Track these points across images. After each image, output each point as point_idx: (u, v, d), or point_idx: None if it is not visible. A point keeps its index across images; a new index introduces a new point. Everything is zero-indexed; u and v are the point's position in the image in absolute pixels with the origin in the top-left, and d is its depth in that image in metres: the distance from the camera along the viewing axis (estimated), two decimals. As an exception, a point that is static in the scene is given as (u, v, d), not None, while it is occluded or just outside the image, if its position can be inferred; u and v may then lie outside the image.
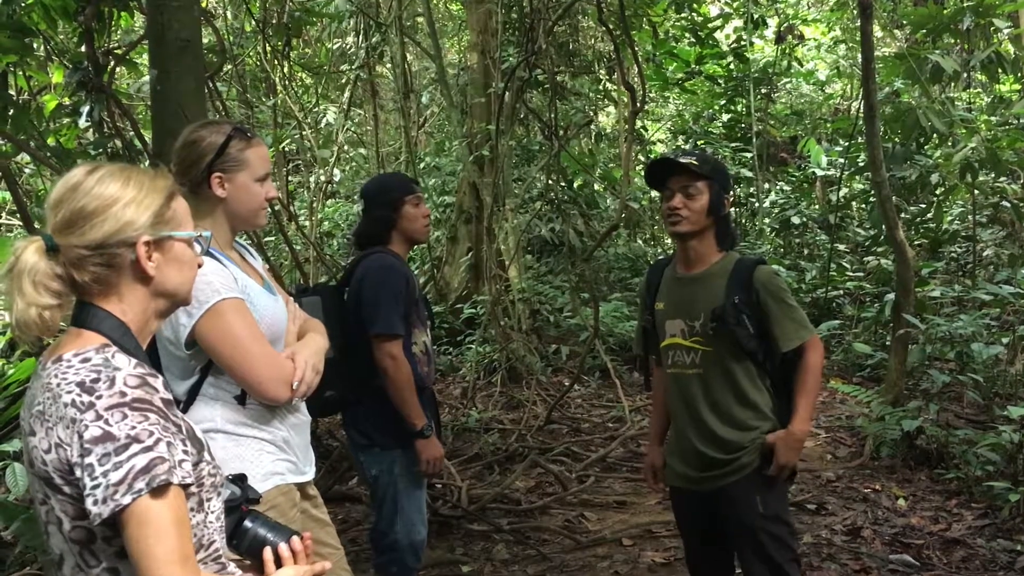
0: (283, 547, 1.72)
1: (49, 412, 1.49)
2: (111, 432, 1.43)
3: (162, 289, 1.64)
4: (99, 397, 1.46)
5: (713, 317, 2.84)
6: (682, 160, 2.91)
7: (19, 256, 1.53)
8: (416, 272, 10.52)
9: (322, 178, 11.12)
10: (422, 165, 12.11)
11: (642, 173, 14.35)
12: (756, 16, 11.91)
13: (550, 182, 10.20)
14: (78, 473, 1.45)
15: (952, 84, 10.87)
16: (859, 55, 8.11)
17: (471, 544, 4.96)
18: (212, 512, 1.62)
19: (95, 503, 1.42)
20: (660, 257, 10.30)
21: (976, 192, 9.23)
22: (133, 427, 1.45)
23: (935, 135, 8.66)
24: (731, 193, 3.02)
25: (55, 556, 1.55)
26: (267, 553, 1.70)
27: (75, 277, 1.55)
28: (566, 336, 9.71)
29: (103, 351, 1.53)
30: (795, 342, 2.85)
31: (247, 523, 1.74)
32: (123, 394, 1.47)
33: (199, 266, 1.72)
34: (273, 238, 10.30)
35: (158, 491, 1.43)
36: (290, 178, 12.11)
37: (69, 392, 1.47)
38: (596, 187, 12.84)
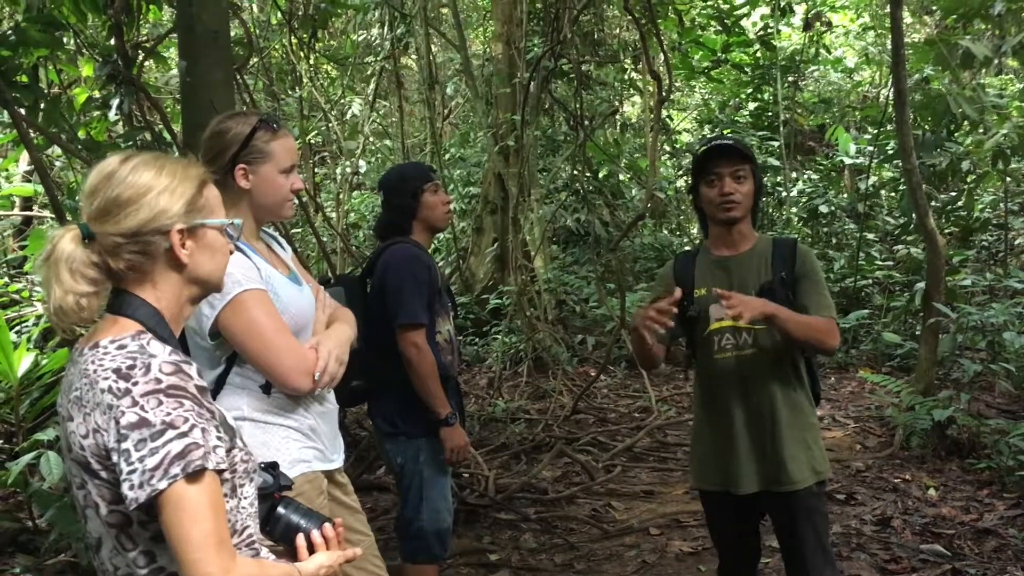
0: (315, 534, 1.74)
1: (86, 398, 1.51)
2: (147, 418, 1.46)
3: (195, 276, 1.66)
4: (135, 384, 1.48)
5: (761, 292, 2.81)
6: (731, 143, 2.87)
7: (56, 244, 1.55)
8: (442, 263, 10.56)
9: (348, 169, 11.17)
10: (447, 156, 12.13)
11: (668, 163, 14.31)
12: (783, 3, 11.79)
13: (575, 172, 10.18)
14: (114, 458, 1.47)
15: (983, 70, 10.70)
16: (888, 41, 8.01)
17: (498, 533, 4.98)
18: (245, 498, 1.64)
19: (131, 488, 1.44)
20: (687, 247, 10.22)
21: (1008, 179, 9.11)
22: (168, 413, 1.47)
23: (966, 122, 8.54)
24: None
25: (92, 540, 1.58)
26: (300, 540, 1.73)
27: (111, 265, 1.57)
28: (592, 326, 9.70)
29: (139, 338, 1.55)
30: (821, 316, 2.80)
31: (280, 510, 1.77)
32: (158, 380, 1.49)
33: (231, 253, 1.74)
34: (300, 229, 10.36)
35: (193, 476, 1.45)
36: (316, 170, 12.16)
37: (106, 378, 1.49)
38: (622, 177, 12.80)
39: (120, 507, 1.50)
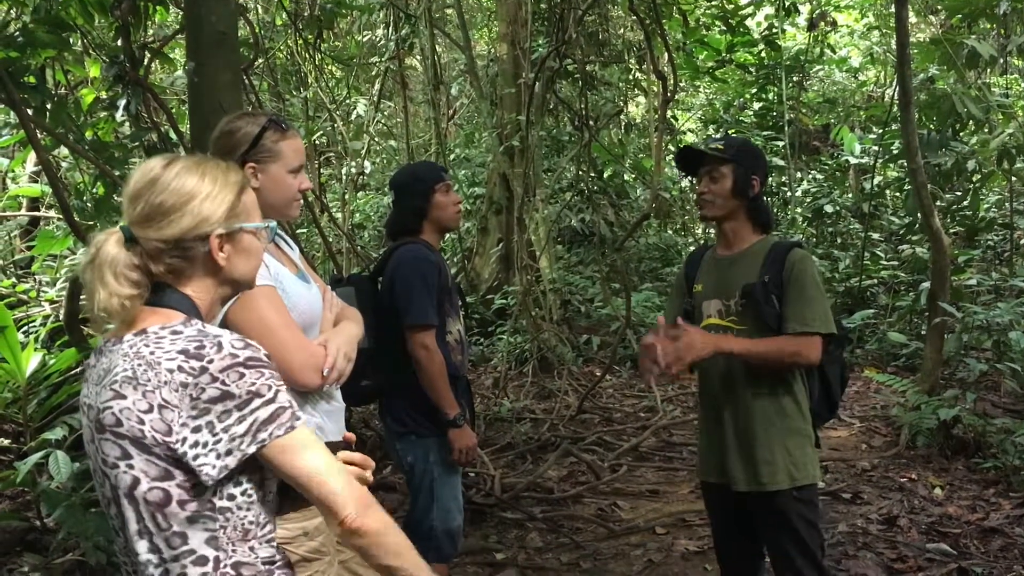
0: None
1: (144, 377, 1.52)
2: (230, 391, 1.50)
3: (230, 277, 1.70)
4: (210, 361, 1.51)
5: (743, 294, 2.84)
6: (703, 147, 2.98)
7: (100, 248, 1.58)
8: (447, 263, 10.57)
9: (353, 170, 11.18)
10: (452, 156, 12.14)
11: (672, 163, 14.30)
12: (788, 3, 11.79)
13: (580, 172, 10.21)
14: (179, 435, 1.49)
15: (988, 69, 10.70)
16: (893, 41, 8.01)
17: (505, 532, 4.99)
18: (270, 492, 1.66)
19: (218, 456, 1.49)
20: (692, 247, 10.26)
21: (1013, 179, 9.10)
22: (253, 383, 1.52)
23: (971, 121, 8.54)
24: (761, 174, 2.97)
25: (116, 523, 1.58)
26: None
27: (151, 268, 1.61)
28: (597, 326, 9.71)
29: (190, 324, 1.58)
30: (798, 328, 2.75)
31: None
32: (234, 355, 1.52)
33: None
34: (306, 229, 10.38)
35: (288, 431, 1.55)
36: (321, 170, 12.17)
37: (171, 359, 1.51)
38: (626, 177, 12.82)
39: (163, 484, 1.51)
